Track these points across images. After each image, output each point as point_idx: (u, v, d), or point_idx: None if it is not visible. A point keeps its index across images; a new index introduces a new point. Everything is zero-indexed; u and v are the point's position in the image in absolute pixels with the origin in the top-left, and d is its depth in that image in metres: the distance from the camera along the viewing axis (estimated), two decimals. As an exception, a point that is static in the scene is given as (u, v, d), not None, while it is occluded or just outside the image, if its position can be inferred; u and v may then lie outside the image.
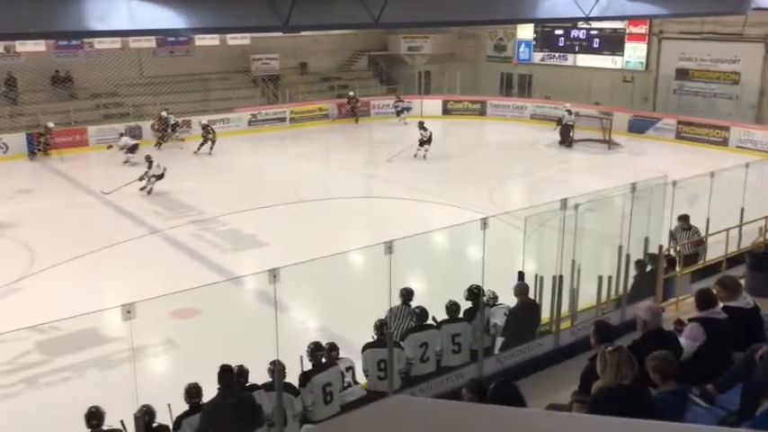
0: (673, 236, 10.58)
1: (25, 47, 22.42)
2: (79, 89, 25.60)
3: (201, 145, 22.68)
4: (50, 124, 22.67)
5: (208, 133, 22.76)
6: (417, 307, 7.79)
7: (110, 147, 22.56)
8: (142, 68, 26.94)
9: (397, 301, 7.83)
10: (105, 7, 9.39)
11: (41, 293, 11.63)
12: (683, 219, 10.66)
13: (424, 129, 21.53)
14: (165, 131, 23.71)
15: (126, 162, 20.91)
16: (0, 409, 8.50)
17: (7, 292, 11.81)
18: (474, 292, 7.94)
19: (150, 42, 25.49)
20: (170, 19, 10.03)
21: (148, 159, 18.22)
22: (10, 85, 24.14)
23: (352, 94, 28.72)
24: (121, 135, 22.40)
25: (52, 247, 13.71)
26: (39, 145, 22.28)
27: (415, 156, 21.27)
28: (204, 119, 24.01)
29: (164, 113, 23.97)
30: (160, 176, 17.87)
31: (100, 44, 24.26)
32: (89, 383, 8.94)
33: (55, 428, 7.24)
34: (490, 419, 2.36)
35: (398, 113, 27.96)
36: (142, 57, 26.77)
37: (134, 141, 21.77)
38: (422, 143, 21.40)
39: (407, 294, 8.08)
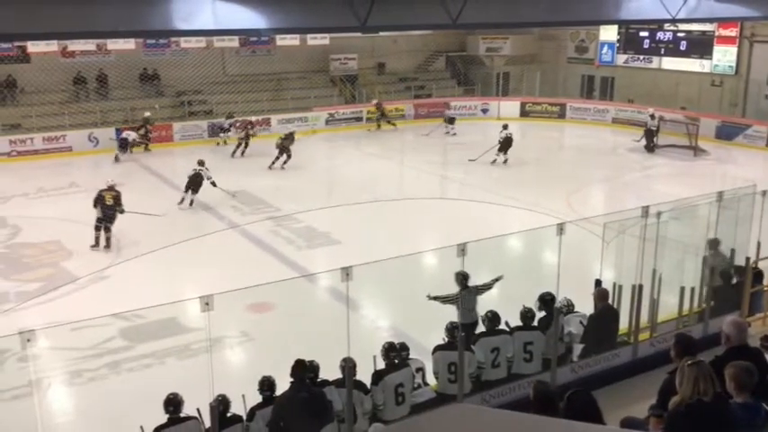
0: None
1: (116, 45, 23.39)
2: (165, 87, 26.54)
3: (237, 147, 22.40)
4: (147, 114, 23.33)
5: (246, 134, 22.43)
6: (489, 311, 7.71)
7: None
8: (225, 67, 27.70)
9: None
10: (191, 7, 9.72)
11: (126, 283, 12.13)
12: None
13: (504, 129, 20.94)
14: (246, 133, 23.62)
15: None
16: (85, 392, 8.91)
17: (95, 280, 12.38)
18: (546, 300, 7.81)
19: (233, 42, 26.18)
20: (252, 19, 10.29)
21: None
22: (101, 82, 25.25)
23: (376, 101, 27.20)
24: (222, 129, 23.51)
25: (137, 238, 14.26)
26: (140, 138, 22.66)
27: (493, 162, 20.64)
28: (249, 117, 23.99)
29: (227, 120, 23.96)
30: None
31: (186, 43, 25.08)
32: (168, 371, 9.25)
33: (134, 412, 7.51)
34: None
35: (448, 121, 25.83)
36: (225, 56, 27.53)
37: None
38: (501, 147, 20.58)
39: (464, 278, 7.98)
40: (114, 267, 12.98)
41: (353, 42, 27.96)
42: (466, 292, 8.06)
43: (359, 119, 27.61)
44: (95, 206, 13.99)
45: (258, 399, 6.45)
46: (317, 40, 25.82)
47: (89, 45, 23.55)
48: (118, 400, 8.46)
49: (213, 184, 16.71)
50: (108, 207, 13.96)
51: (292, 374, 6.35)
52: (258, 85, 27.31)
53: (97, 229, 13.86)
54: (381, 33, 25.99)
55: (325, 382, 6.68)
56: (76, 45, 23.51)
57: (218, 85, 26.82)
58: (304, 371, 6.41)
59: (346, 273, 6.16)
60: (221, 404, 6.13)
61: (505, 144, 20.58)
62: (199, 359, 8.47)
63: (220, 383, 6.14)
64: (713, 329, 7.57)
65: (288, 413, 6.24)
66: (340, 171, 21.59)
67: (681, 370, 4.58)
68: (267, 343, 9.79)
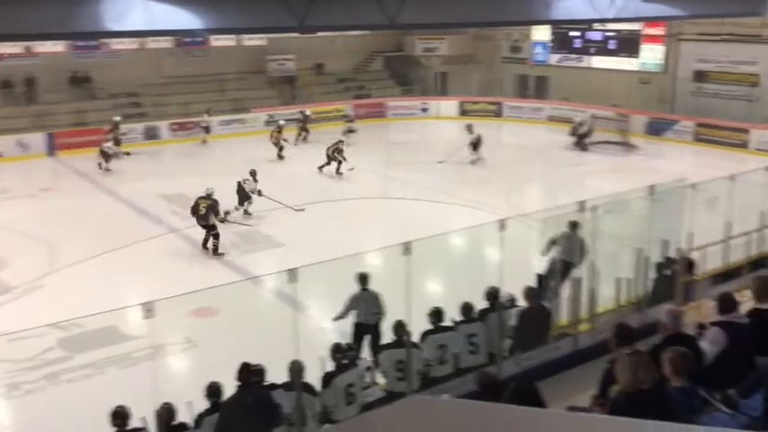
0: None
1: (44, 47, 22.68)
2: (97, 89, 25.83)
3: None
4: (117, 118, 22.53)
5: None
6: (434, 308, 7.79)
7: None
8: (160, 69, 27.16)
9: (413, 300, 7.78)
10: (122, 8, 9.50)
11: (62, 291, 11.75)
12: None
13: (471, 132, 21.07)
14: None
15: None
16: (22, 405, 8.61)
17: (30, 289, 11.97)
18: (491, 293, 7.95)
19: (168, 43, 25.72)
20: (186, 20, 10.13)
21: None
22: (29, 85, 24.40)
23: (308, 112, 25.55)
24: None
25: (72, 245, 13.85)
26: (116, 145, 21.52)
27: (471, 162, 20.83)
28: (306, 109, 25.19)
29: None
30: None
31: (118, 44, 24.52)
32: (110, 381, 9.02)
33: (75, 425, 7.31)
34: (509, 419, 2.36)
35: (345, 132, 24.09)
36: (160, 57, 26.98)
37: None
38: (472, 146, 20.88)
39: (364, 278, 8.41)
40: (50, 276, 12.57)
41: (291, 43, 27.79)
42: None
43: (298, 120, 27.44)
44: (192, 214, 13.82)
45: (205, 405, 6.36)
46: (254, 40, 25.61)
47: (16, 48, 22.75)
48: (58, 413, 8.21)
49: (259, 193, 15.97)
50: (201, 216, 13.65)
51: (238, 379, 6.29)
52: (195, 86, 26.88)
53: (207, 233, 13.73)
54: (319, 34, 25.88)
55: (274, 386, 6.63)
56: (2, 48, 22.70)
57: (152, 87, 26.27)
58: (250, 375, 6.35)
59: (292, 274, 6.14)
60: (167, 412, 6.02)
61: (477, 143, 20.87)
62: (141, 367, 8.30)
63: (165, 391, 6.03)
64: (650, 319, 7.83)
65: (235, 418, 6.17)
66: (281, 172, 21.42)
67: (621, 359, 4.73)
68: (212, 348, 9.65)
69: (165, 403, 6.03)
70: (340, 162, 19.87)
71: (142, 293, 7.26)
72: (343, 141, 20.73)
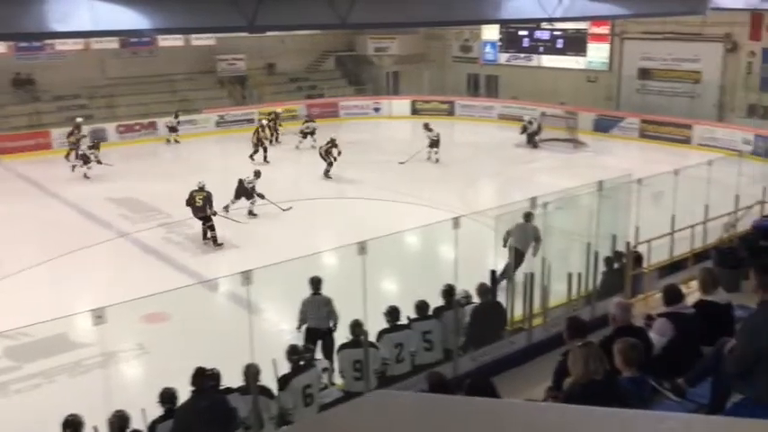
0: None
1: (-16, 48, 22.00)
2: (41, 91, 25.14)
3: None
4: (79, 119, 21.85)
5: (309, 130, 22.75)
6: (390, 306, 7.82)
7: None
8: (105, 70, 26.57)
9: (369, 299, 7.79)
10: (66, 8, 9.27)
11: (8, 299, 11.38)
12: None
13: (430, 130, 21.18)
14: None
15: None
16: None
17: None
18: (446, 291, 8.02)
19: (113, 43, 25.18)
20: (132, 19, 9.94)
21: None
22: (-31, 88, 23.64)
23: (279, 111, 25.26)
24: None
25: (17, 251, 13.44)
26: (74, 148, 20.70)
27: (428, 159, 20.98)
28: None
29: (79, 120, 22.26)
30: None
31: (62, 45, 23.88)
32: (60, 390, 8.79)
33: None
34: (468, 411, 2.38)
35: (305, 135, 23.27)
36: (105, 58, 26.39)
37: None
38: (432, 145, 21.06)
39: (316, 283, 8.34)
40: (-7, 284, 12.18)
41: (241, 42, 27.48)
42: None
43: (250, 120, 27.20)
44: (188, 206, 14.15)
45: (159, 412, 6.26)
46: (202, 40, 25.25)
47: (-46, 48, 21.99)
48: (7, 424, 7.95)
49: (261, 196, 15.69)
50: (198, 208, 14.03)
51: (193, 384, 6.21)
52: (142, 87, 26.37)
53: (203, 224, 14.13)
54: (269, 33, 25.66)
55: (229, 390, 6.56)
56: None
57: (98, 89, 25.69)
58: (205, 379, 6.28)
59: (246, 277, 6.09)
60: (119, 420, 5.91)
61: (437, 142, 20.99)
62: (92, 375, 8.13)
63: (118, 399, 5.92)
64: (600, 312, 8.01)
65: (190, 423, 6.09)
66: (234, 174, 21.15)
67: (573, 352, 4.83)
68: (165, 354, 9.49)
69: (118, 411, 5.92)
70: (330, 163, 19.48)
71: (91, 300, 7.11)
72: (335, 140, 20.00)
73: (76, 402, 6.31)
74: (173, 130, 24.49)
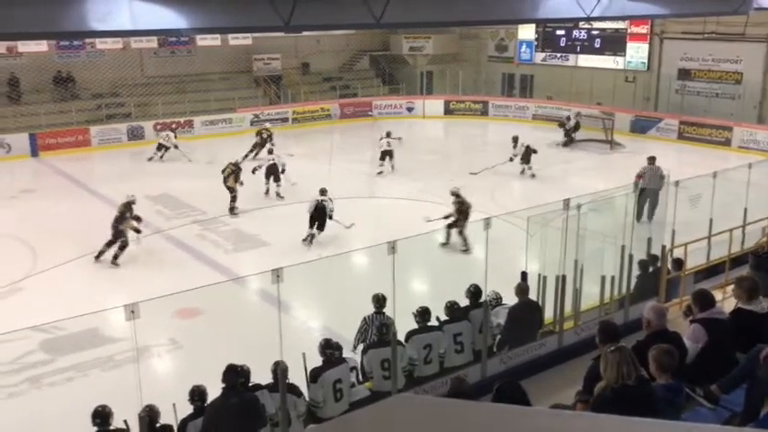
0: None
1: (27, 47, 22.45)
2: (81, 89, 25.63)
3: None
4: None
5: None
6: (420, 307, 7.78)
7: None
8: (144, 68, 27.00)
9: (397, 302, 7.70)
10: (106, 8, 9.40)
11: (44, 293, 11.63)
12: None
13: (531, 150, 19.74)
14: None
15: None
16: (4, 409, 8.51)
17: (10, 292, 11.83)
18: (472, 292, 7.96)
19: (152, 43, 25.54)
20: (171, 19, 10.03)
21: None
22: (12, 86, 24.17)
23: (268, 125, 23.16)
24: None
25: (55, 247, 13.71)
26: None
27: (522, 173, 19.68)
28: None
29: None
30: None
31: (102, 44, 24.32)
32: (93, 383, 8.93)
33: (59, 428, 7.24)
34: (496, 418, 2.34)
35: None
36: (144, 57, 26.82)
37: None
38: (524, 160, 19.59)
39: (380, 301, 7.82)
40: (32, 278, 12.44)
41: (276, 42, 27.70)
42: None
43: (285, 119, 27.40)
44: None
45: (189, 407, 6.32)
46: (239, 39, 25.45)
47: (-1, 48, 22.53)
48: (40, 416, 8.11)
49: (330, 216, 14.32)
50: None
51: (223, 380, 6.26)
52: (179, 86, 26.73)
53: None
54: (305, 33, 25.81)
55: (258, 387, 6.60)
56: (-15, 48, 22.47)
57: (136, 87, 26.10)
58: (235, 376, 6.32)
59: (277, 275, 6.11)
60: (150, 414, 5.98)
61: (528, 155, 19.72)
62: (124, 370, 8.23)
63: (149, 393, 5.98)
64: (634, 316, 7.87)
65: (220, 420, 6.14)
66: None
67: (604, 356, 4.74)
68: (197, 349, 9.59)
69: (148, 405, 5.99)
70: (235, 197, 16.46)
71: (126, 295, 7.20)
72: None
73: (108, 396, 6.39)
74: (162, 148, 21.40)
